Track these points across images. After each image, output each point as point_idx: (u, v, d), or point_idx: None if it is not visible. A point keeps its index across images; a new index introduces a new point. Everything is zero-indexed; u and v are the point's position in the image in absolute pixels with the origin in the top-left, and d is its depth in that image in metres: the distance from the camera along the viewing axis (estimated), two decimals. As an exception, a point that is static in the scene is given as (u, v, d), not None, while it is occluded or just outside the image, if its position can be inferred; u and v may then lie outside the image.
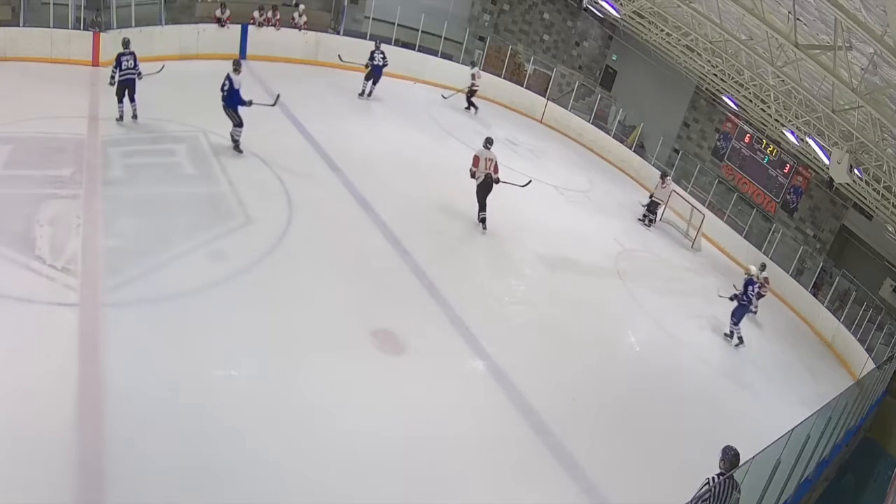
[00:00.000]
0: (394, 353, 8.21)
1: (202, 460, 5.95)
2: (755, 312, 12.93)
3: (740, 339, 12.28)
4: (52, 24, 13.19)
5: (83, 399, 6.13)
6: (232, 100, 10.51)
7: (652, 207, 16.34)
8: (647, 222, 16.19)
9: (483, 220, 12.05)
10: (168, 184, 10.27)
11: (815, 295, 16.26)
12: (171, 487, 5.59)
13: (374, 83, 16.54)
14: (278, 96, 12.33)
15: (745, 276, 12.59)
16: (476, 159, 11.74)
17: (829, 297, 15.93)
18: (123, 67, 11.39)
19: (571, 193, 16.12)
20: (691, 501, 5.65)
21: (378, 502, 6.17)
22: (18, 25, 13.19)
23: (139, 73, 11.63)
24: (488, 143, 11.93)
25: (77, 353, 6.62)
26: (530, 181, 13.02)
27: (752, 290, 12.24)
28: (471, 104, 18.55)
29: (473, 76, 18.37)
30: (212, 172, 10.90)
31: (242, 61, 13.98)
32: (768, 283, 14.53)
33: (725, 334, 12.36)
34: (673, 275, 14.58)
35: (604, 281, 12.58)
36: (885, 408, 14.90)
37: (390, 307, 9.06)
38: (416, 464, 6.74)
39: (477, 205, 12.09)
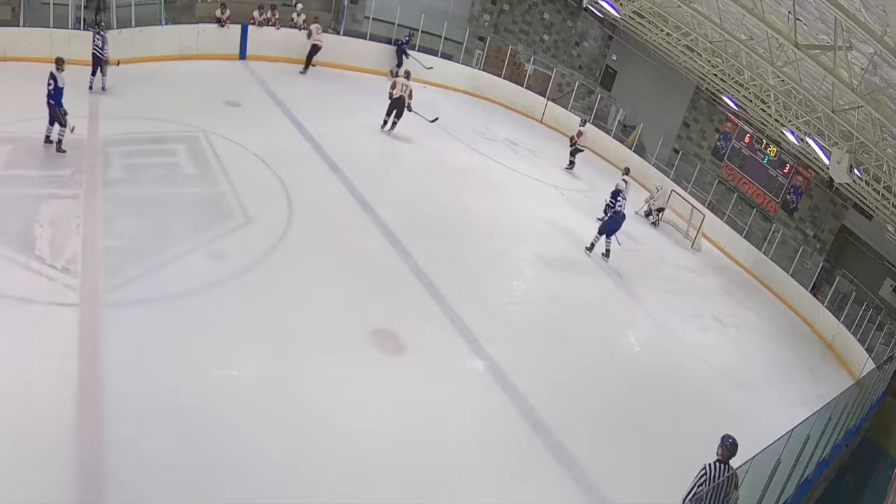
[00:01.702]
0: (394, 353, 8.21)
1: (202, 460, 5.94)
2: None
3: (607, 251, 13.07)
4: (52, 24, 13.18)
5: (83, 399, 6.13)
6: (56, 98, 10.11)
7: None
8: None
9: (384, 124, 14.86)
10: (168, 184, 10.27)
11: (814, 295, 16.27)
12: (171, 487, 5.58)
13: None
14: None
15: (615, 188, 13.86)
16: (393, 84, 14.79)
17: (828, 297, 15.94)
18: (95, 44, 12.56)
19: (571, 193, 16.13)
20: (689, 487, 5.75)
21: (378, 502, 6.16)
22: (18, 25, 13.19)
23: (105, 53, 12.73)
24: (407, 75, 15.15)
25: (77, 353, 6.61)
26: (437, 118, 15.69)
27: (621, 201, 13.31)
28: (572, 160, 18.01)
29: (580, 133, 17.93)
30: (212, 172, 10.90)
31: (243, 61, 14.14)
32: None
33: (586, 248, 13.05)
34: (673, 275, 14.58)
35: (604, 281, 12.57)
36: (885, 408, 14.90)
37: (390, 307, 9.06)
38: (416, 464, 6.74)
39: None
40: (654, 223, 16.87)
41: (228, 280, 8.47)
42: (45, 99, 10.08)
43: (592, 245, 13.01)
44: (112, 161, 10.37)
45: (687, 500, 5.69)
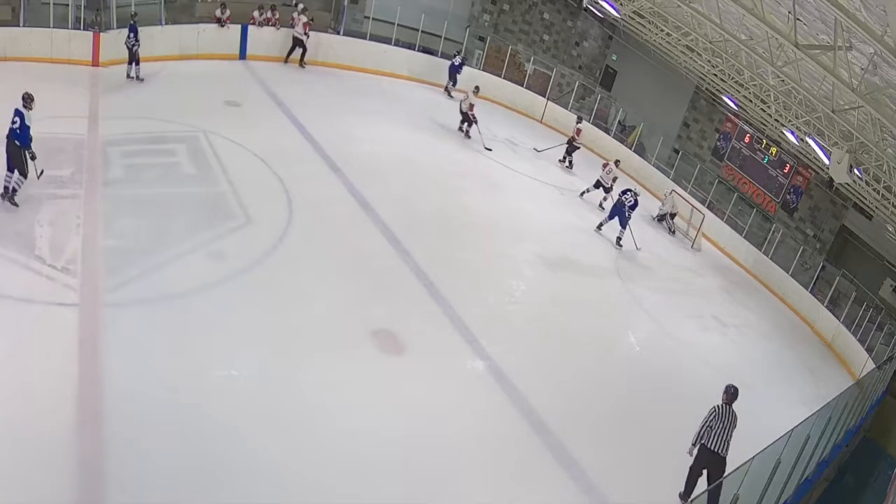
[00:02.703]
0: (394, 353, 8.21)
1: (202, 460, 5.95)
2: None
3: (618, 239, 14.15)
4: (52, 24, 13.18)
5: (83, 399, 6.14)
6: (22, 139, 8.55)
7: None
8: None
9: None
10: (168, 184, 10.27)
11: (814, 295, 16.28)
12: (171, 487, 5.59)
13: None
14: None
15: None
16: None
17: (829, 296, 15.94)
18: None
19: (571, 193, 16.12)
20: (700, 424, 7.22)
21: (378, 502, 6.17)
22: (18, 25, 13.18)
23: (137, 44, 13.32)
24: (476, 90, 16.43)
25: (77, 353, 6.62)
26: (491, 150, 16.03)
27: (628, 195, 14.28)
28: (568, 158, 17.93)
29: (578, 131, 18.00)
30: (212, 172, 10.90)
31: (243, 61, 14.12)
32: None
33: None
34: (673, 275, 14.58)
35: (604, 281, 12.58)
36: (885, 408, 14.91)
37: (391, 307, 9.06)
38: (416, 463, 6.74)
39: None
40: (671, 231, 16.96)
41: (228, 280, 8.47)
42: (6, 139, 8.61)
43: (600, 225, 14.44)
44: (112, 161, 10.37)
45: (699, 432, 7.20)
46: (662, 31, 17.44)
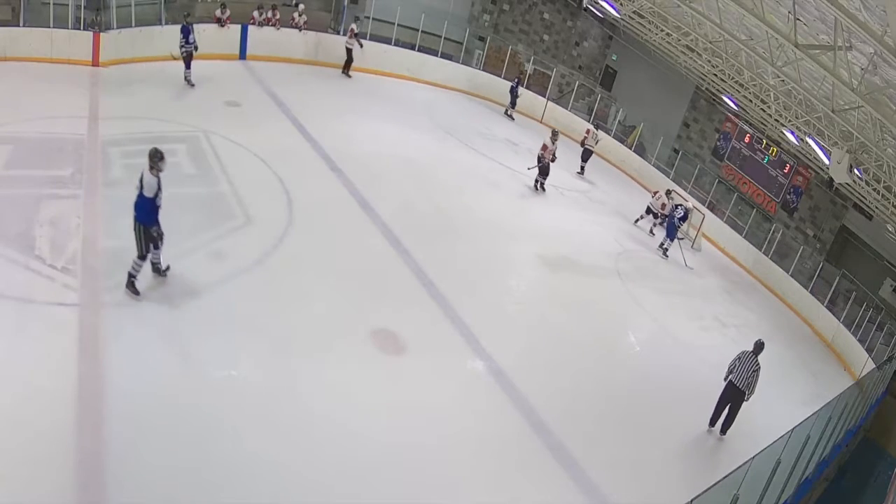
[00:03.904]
0: (394, 353, 8.21)
1: (202, 460, 5.94)
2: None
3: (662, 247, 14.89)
4: (52, 24, 13.18)
5: (83, 399, 6.13)
6: (139, 212, 7.25)
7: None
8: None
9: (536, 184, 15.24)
10: (168, 184, 10.16)
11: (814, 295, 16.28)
12: (171, 487, 5.58)
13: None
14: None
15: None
16: (544, 146, 15.04)
17: (829, 296, 15.94)
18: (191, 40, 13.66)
19: (572, 193, 16.13)
20: (728, 365, 8.95)
21: (377, 502, 6.16)
22: (18, 25, 13.18)
23: (195, 46, 13.79)
24: (555, 135, 15.29)
25: (77, 353, 6.61)
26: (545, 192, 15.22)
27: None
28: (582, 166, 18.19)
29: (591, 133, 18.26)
30: (212, 172, 10.89)
31: (243, 61, 14.02)
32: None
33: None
34: (673, 275, 14.58)
35: (604, 281, 12.58)
36: (885, 408, 14.92)
37: (390, 307, 9.05)
38: (416, 463, 6.73)
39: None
40: (651, 231, 16.75)
41: (228, 280, 8.47)
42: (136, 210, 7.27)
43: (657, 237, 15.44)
44: (112, 161, 10.36)
45: (728, 371, 8.93)
46: (662, 31, 17.45)
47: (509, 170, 15.66)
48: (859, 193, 16.29)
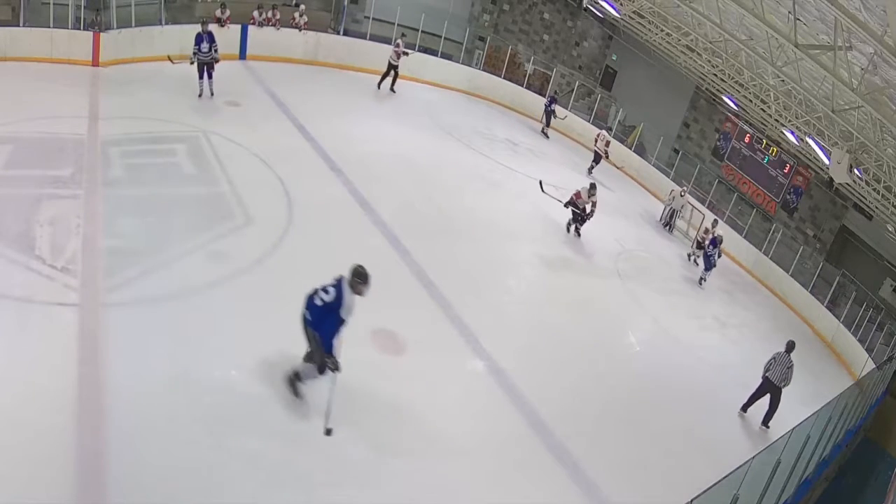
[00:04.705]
0: (394, 353, 8.21)
1: (202, 460, 5.94)
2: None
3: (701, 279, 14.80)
4: (52, 24, 13.18)
5: (83, 399, 6.13)
6: (329, 332, 6.35)
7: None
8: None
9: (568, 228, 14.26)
10: (168, 184, 10.26)
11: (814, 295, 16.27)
12: (171, 487, 5.58)
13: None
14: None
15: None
16: (578, 194, 13.95)
17: (828, 296, 15.94)
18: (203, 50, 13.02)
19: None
20: (766, 365, 9.98)
21: (377, 502, 6.16)
22: (18, 25, 13.18)
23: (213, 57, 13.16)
24: (592, 188, 13.95)
25: (77, 352, 6.61)
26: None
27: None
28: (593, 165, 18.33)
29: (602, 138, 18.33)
30: (212, 172, 10.89)
31: (243, 61, 13.97)
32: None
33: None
34: (673, 275, 14.58)
35: (604, 281, 12.58)
36: (885, 408, 14.91)
37: (390, 307, 9.02)
38: (416, 463, 6.73)
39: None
40: (670, 229, 17.06)
41: (228, 280, 8.46)
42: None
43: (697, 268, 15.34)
44: (112, 161, 10.36)
45: (765, 368, 9.96)
46: (662, 31, 17.45)
47: (509, 170, 15.66)
48: (859, 193, 16.29)
